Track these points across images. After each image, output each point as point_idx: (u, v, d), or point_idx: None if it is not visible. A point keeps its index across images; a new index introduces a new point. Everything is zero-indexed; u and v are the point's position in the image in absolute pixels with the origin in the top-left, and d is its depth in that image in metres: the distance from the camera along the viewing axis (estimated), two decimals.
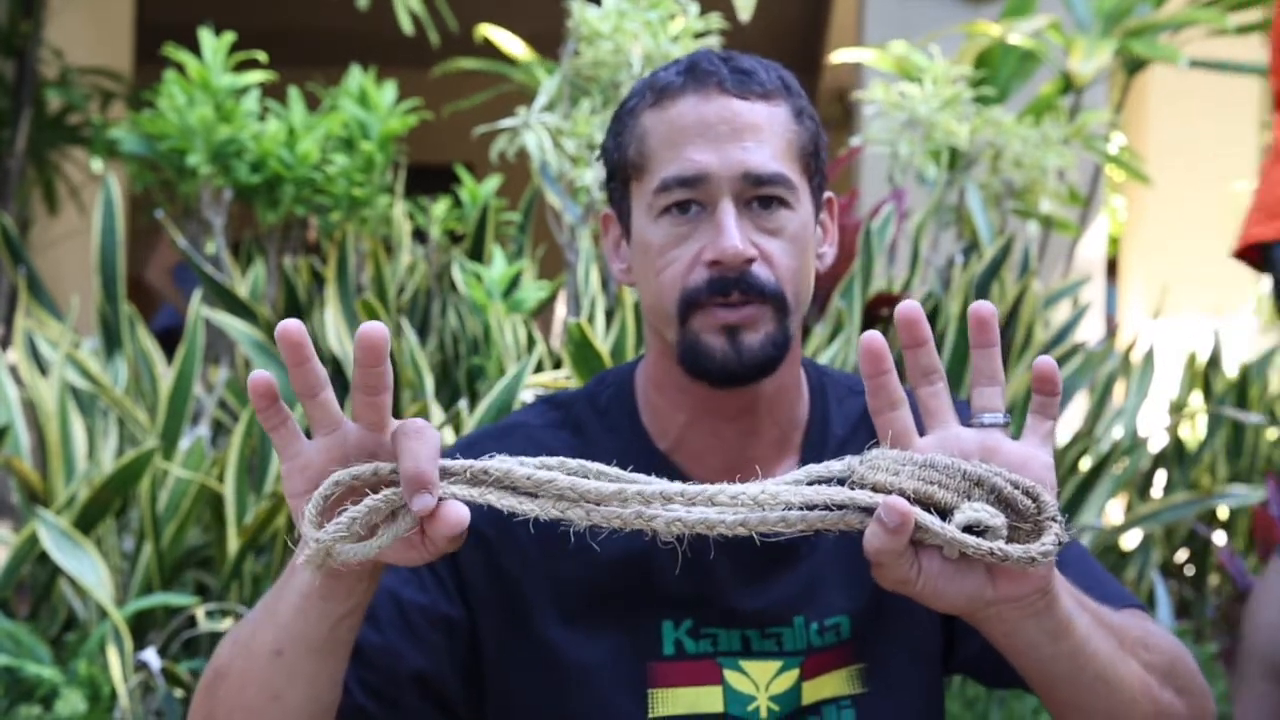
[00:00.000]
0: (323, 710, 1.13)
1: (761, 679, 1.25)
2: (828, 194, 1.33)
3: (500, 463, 0.98)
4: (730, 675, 1.25)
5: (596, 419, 1.32)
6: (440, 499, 0.95)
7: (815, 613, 1.27)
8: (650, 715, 1.24)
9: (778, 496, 0.97)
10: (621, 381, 1.36)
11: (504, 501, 0.98)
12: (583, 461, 1.00)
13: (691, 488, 0.98)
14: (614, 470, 1.00)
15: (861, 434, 1.31)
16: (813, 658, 1.26)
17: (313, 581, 1.03)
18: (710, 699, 1.25)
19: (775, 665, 1.26)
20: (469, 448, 1.21)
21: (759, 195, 1.25)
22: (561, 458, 1.01)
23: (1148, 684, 1.14)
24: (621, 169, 1.30)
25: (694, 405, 1.29)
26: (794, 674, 1.26)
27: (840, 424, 1.34)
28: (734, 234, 1.22)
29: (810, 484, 0.99)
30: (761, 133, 1.25)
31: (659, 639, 1.26)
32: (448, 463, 0.97)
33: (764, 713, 1.25)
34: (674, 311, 1.25)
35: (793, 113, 1.28)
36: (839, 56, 4.12)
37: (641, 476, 0.99)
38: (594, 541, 1.25)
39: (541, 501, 0.98)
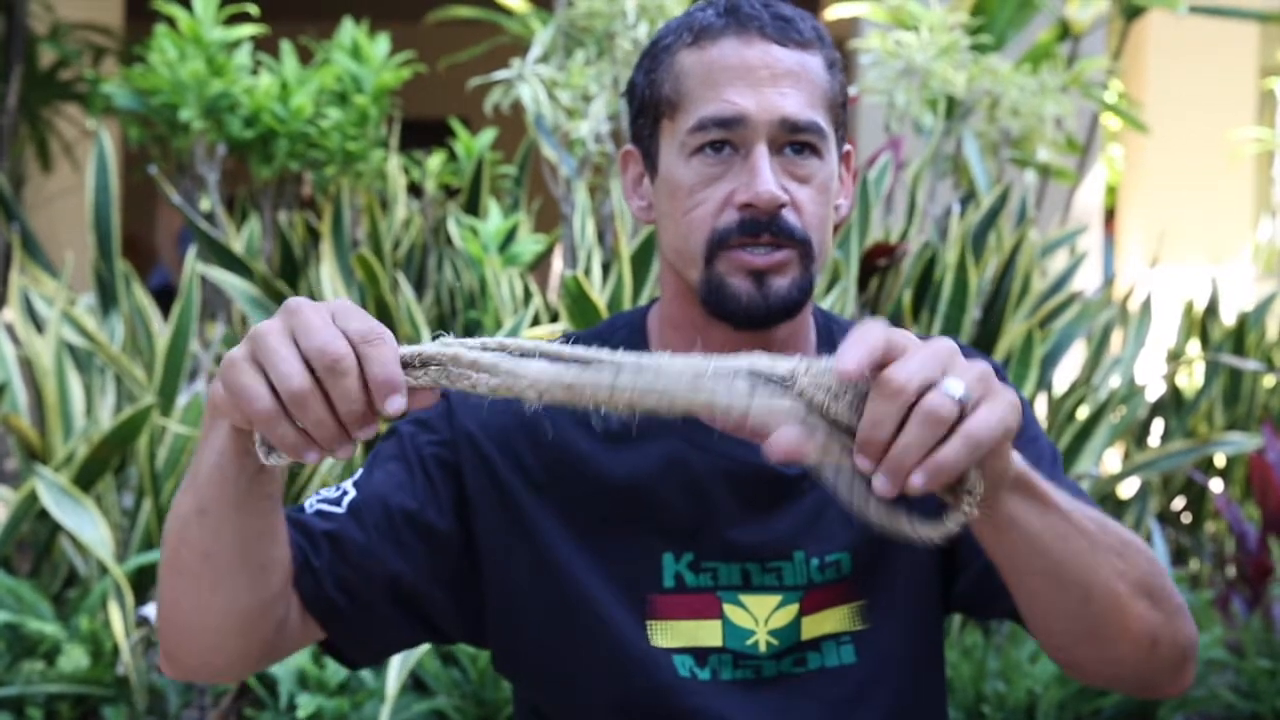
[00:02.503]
0: (258, 567, 1.14)
1: (761, 613, 1.27)
2: (847, 147, 1.33)
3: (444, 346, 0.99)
4: (730, 609, 1.26)
5: None
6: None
7: (816, 548, 1.28)
8: (650, 646, 1.25)
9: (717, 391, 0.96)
10: (634, 323, 1.37)
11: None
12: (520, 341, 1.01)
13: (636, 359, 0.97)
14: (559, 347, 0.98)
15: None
16: (813, 593, 1.27)
17: (226, 440, 1.05)
18: (709, 632, 1.26)
19: (775, 600, 1.27)
20: (465, 398, 1.22)
21: (793, 141, 1.26)
22: (500, 338, 1.02)
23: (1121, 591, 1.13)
24: (652, 106, 1.30)
25: (709, 347, 1.30)
26: (793, 609, 1.27)
27: None
28: (769, 178, 1.23)
29: (749, 379, 0.95)
30: (799, 80, 1.26)
31: (659, 572, 1.27)
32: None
33: (763, 647, 1.26)
34: (700, 252, 1.25)
35: (826, 63, 1.29)
36: (835, 11, 4.10)
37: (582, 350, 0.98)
38: (598, 467, 1.26)
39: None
